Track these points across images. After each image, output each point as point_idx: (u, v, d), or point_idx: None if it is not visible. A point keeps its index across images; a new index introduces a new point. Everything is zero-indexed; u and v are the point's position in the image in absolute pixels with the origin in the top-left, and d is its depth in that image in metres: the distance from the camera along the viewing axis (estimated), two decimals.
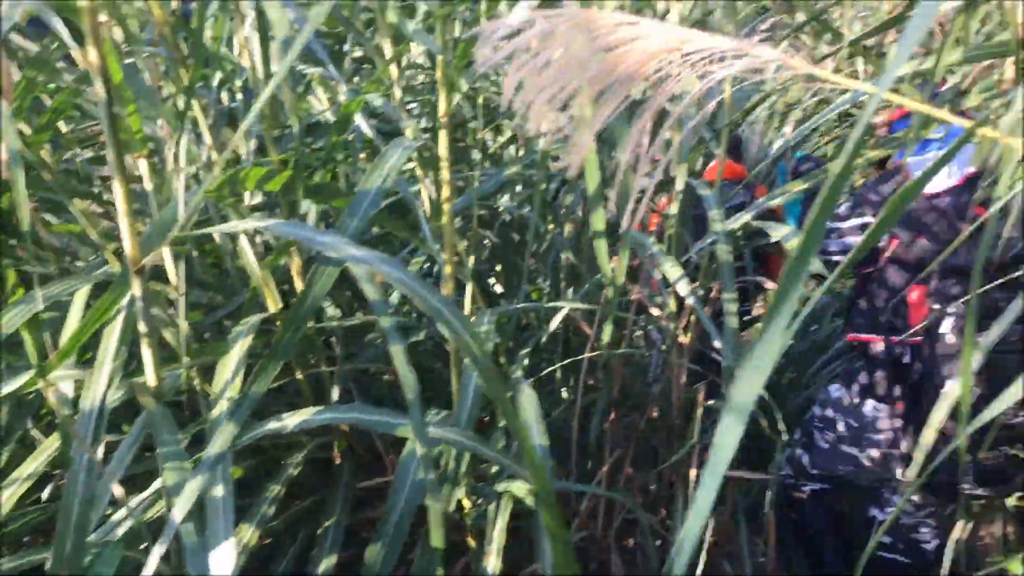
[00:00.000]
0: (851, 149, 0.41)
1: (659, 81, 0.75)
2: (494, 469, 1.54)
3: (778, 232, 1.55)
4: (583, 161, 0.75)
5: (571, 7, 0.77)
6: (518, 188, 1.91)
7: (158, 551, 0.86)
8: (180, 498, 0.89)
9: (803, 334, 3.09)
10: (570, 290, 1.90)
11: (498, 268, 2.00)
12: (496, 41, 0.74)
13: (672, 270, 1.56)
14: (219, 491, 0.99)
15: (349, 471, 1.53)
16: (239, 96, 1.51)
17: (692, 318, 1.85)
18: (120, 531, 1.08)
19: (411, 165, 1.78)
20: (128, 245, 0.96)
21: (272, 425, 1.09)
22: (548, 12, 0.77)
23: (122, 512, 1.09)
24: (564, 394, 1.97)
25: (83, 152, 1.57)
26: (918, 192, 0.54)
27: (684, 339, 1.86)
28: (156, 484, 1.16)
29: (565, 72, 0.76)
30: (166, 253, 1.35)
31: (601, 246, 1.36)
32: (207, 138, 1.32)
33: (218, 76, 1.46)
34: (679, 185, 1.66)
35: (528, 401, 1.35)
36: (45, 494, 1.32)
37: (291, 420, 1.09)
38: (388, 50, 1.31)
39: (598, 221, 1.34)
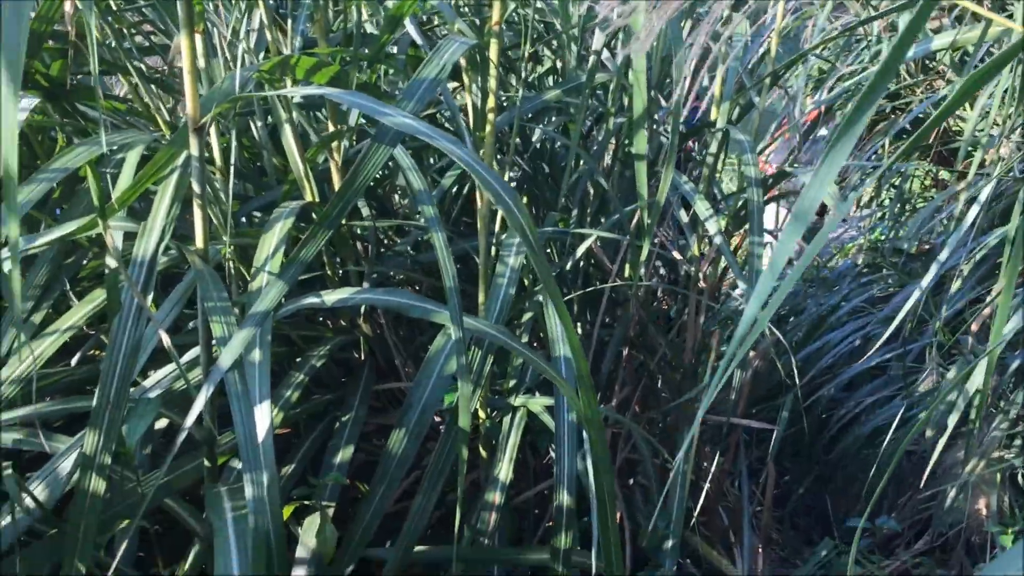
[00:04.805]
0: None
1: None
2: (510, 384, 1.56)
3: (806, 175, 1.57)
4: (644, 49, 0.77)
5: None
6: (553, 119, 1.91)
7: (204, 393, 0.89)
8: (228, 347, 0.91)
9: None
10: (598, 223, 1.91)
11: (525, 200, 2.01)
12: None
13: (703, 209, 1.57)
14: (257, 356, 1.02)
15: (368, 372, 1.56)
16: None
17: (713, 263, 1.87)
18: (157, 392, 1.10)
19: (453, 85, 1.79)
20: (189, 104, 0.97)
21: (312, 299, 1.11)
22: None
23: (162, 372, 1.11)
24: (579, 329, 1.99)
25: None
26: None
27: (704, 282, 1.88)
28: (192, 353, 1.19)
29: None
30: (213, 140, 1.37)
31: (641, 168, 1.38)
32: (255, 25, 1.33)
33: None
34: (720, 124, 1.67)
35: (556, 313, 1.36)
36: (74, 361, 1.34)
37: (330, 296, 1.11)
38: None
39: (640, 143, 1.36)
